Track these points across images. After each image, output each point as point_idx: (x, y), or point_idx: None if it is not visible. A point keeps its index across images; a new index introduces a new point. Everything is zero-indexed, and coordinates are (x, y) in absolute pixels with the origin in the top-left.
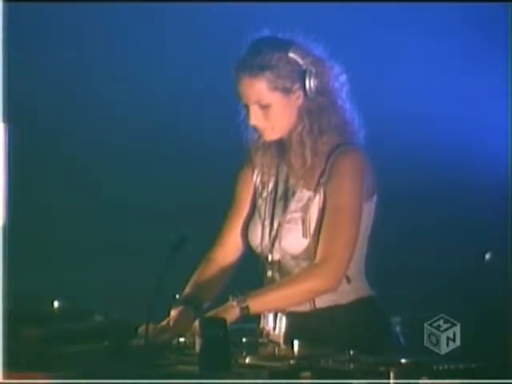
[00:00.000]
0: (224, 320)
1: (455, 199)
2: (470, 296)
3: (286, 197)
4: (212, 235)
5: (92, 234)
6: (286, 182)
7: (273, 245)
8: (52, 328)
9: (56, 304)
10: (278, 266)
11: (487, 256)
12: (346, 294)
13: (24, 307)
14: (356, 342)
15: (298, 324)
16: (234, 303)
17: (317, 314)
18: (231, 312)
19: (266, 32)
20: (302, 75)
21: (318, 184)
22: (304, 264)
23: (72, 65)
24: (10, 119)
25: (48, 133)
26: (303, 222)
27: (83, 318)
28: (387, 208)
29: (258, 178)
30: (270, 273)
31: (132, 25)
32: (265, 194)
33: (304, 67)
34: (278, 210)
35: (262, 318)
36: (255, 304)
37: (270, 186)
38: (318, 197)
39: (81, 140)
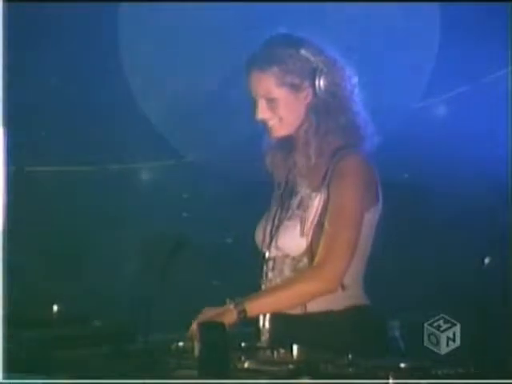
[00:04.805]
0: (222, 324)
1: (455, 200)
2: (470, 296)
3: (291, 195)
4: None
5: (91, 239)
6: (294, 181)
7: (271, 242)
8: (51, 332)
9: (55, 308)
10: (273, 263)
11: (487, 256)
12: (338, 301)
13: (23, 311)
14: (346, 349)
15: (288, 328)
16: (232, 307)
17: (306, 319)
18: (229, 316)
19: (282, 29)
20: (312, 73)
21: (321, 184)
22: (299, 264)
23: (72, 66)
24: (9, 122)
25: (48, 135)
26: (302, 220)
27: (82, 323)
28: (386, 210)
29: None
30: (264, 269)
31: (133, 25)
32: (274, 194)
33: (315, 65)
34: (283, 208)
35: (259, 322)
36: (253, 307)
37: (281, 185)
38: (319, 197)
39: (81, 142)
